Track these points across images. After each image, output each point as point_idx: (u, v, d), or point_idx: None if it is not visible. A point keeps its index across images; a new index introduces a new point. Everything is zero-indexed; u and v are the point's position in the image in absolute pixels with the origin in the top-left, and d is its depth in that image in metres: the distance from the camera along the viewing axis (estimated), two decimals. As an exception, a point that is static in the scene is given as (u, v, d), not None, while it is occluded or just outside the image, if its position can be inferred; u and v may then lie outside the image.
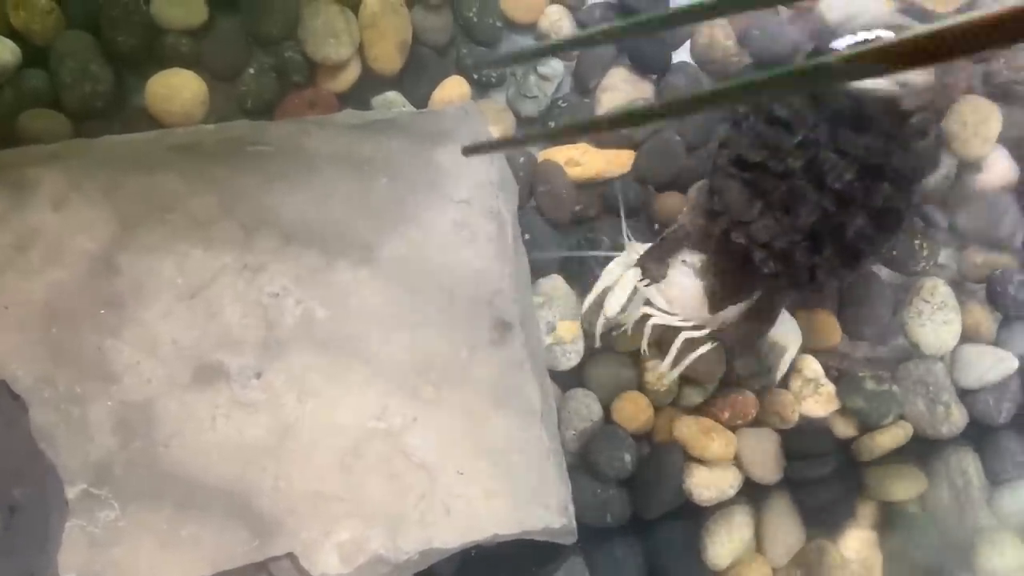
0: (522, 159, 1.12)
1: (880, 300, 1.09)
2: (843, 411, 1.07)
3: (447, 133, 1.07)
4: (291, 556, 0.94)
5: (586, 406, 1.06)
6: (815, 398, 1.06)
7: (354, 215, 1.00)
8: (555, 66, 1.18)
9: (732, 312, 0.99)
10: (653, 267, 0.98)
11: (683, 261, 0.99)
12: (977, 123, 1.10)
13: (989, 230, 1.12)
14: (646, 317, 0.99)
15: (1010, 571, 1.01)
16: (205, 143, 1.05)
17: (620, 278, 1.00)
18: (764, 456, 1.05)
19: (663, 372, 1.01)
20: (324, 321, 0.99)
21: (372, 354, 0.99)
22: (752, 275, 0.94)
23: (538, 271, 1.10)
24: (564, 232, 1.12)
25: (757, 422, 1.07)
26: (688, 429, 1.04)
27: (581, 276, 1.10)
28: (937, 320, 1.09)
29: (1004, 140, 1.13)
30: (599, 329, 1.02)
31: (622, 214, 1.04)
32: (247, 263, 1.00)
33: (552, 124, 1.16)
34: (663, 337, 1.04)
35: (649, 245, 1.02)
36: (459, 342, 0.98)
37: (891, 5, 1.19)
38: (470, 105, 1.11)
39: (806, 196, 0.89)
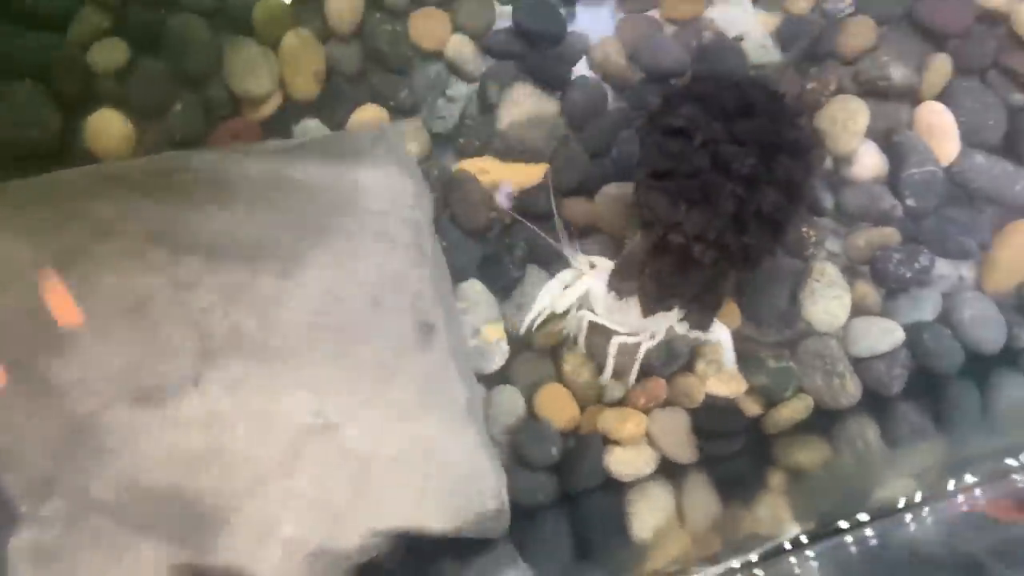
0: (436, 172, 1.18)
1: (776, 285, 1.18)
2: (749, 389, 1.15)
3: (364, 151, 1.14)
4: (235, 554, 0.98)
5: (512, 402, 1.11)
6: (719, 377, 1.12)
7: (277, 231, 1.06)
8: (459, 88, 1.26)
9: (662, 322, 1.06)
10: (622, 286, 1.06)
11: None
12: (846, 119, 1.21)
13: (868, 215, 1.21)
14: (584, 320, 1.06)
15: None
16: (134, 174, 1.10)
17: (567, 291, 1.08)
18: (677, 435, 1.12)
19: (605, 383, 1.09)
20: (254, 331, 1.05)
21: (302, 360, 1.05)
22: (690, 270, 1.02)
23: (457, 276, 1.14)
24: (479, 239, 1.17)
25: (668, 403, 1.14)
26: (607, 417, 1.11)
27: (499, 279, 1.15)
28: (828, 297, 1.18)
29: (872, 133, 1.24)
30: (528, 322, 1.08)
31: (561, 235, 1.11)
32: (178, 282, 1.05)
33: (461, 140, 1.24)
34: (592, 342, 1.11)
35: (597, 259, 1.10)
36: (385, 344, 1.04)
37: (770, 25, 1.30)
38: (386, 126, 1.18)
39: (720, 187, 0.97)
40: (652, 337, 1.07)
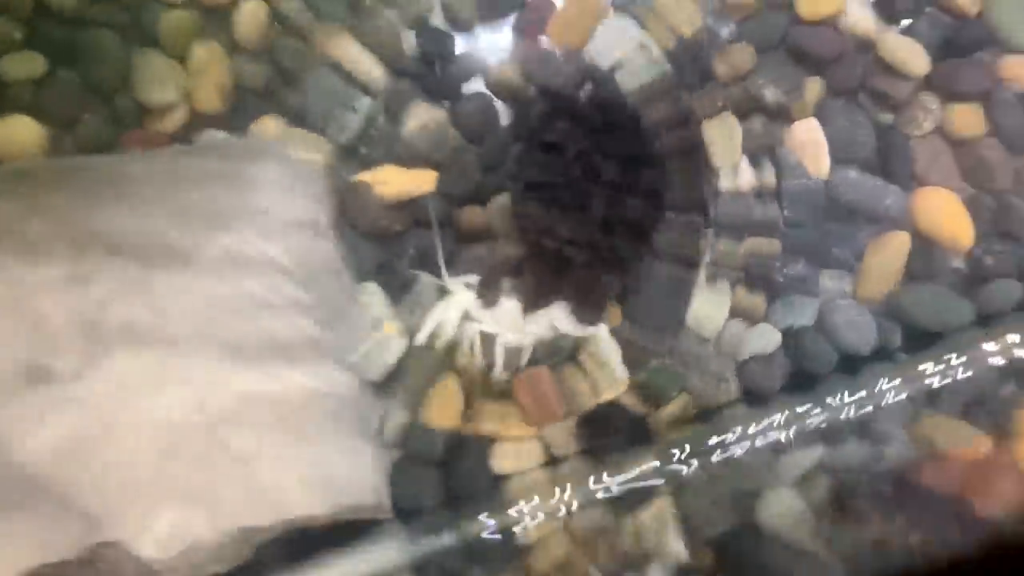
0: (336, 181, 1.22)
1: (661, 289, 1.23)
2: (632, 387, 1.19)
3: (260, 155, 1.19)
4: (115, 545, 0.99)
5: (402, 402, 1.14)
6: (602, 377, 1.16)
7: (173, 227, 1.09)
8: (364, 102, 1.31)
9: (545, 321, 1.11)
10: (489, 295, 1.12)
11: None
12: (725, 135, 1.28)
13: (748, 225, 1.28)
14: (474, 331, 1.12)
15: (784, 515, 1.13)
16: (39, 172, 1.14)
17: (448, 312, 1.14)
18: (563, 433, 1.16)
19: (499, 377, 1.13)
20: (145, 325, 1.07)
21: (191, 352, 1.07)
22: (566, 272, 1.09)
23: (356, 278, 1.19)
24: (376, 244, 1.21)
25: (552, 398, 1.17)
26: (491, 415, 1.15)
27: (394, 283, 1.20)
28: (710, 302, 1.23)
29: (750, 150, 1.31)
30: (423, 338, 1.14)
31: (439, 254, 1.16)
32: (74, 275, 1.08)
33: (363, 151, 1.29)
34: (487, 349, 1.15)
35: (472, 277, 1.15)
36: (276, 337, 1.07)
37: (662, 45, 1.37)
38: (285, 133, 1.23)
39: (590, 194, 1.04)
40: (534, 336, 1.12)
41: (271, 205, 1.09)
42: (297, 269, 1.08)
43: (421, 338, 1.12)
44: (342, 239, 1.18)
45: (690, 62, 1.32)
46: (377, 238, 1.19)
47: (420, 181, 1.24)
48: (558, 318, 1.12)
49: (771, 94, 1.21)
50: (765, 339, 1.17)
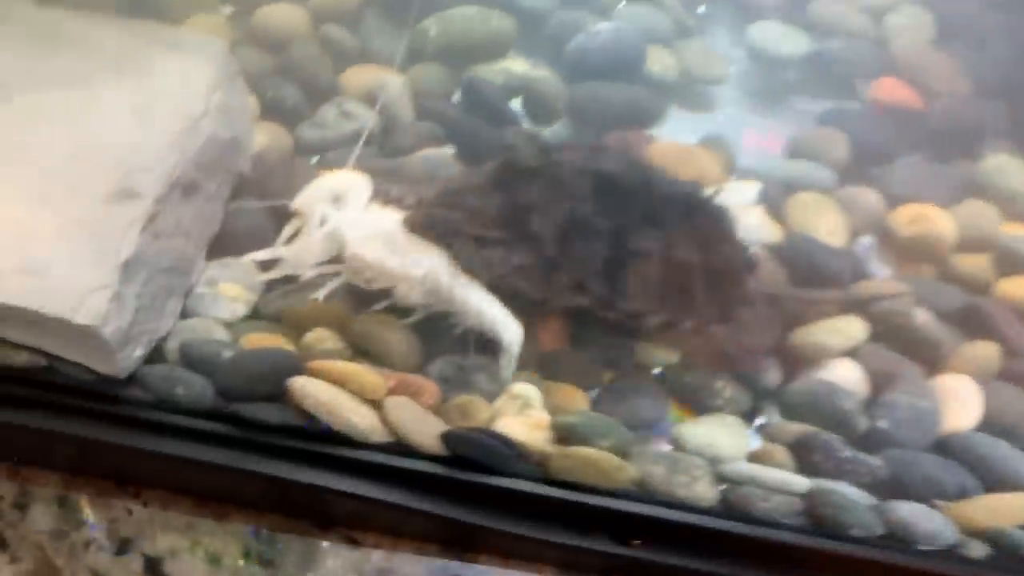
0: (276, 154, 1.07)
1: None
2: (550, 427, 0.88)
3: (180, 45, 0.98)
4: None
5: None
6: (520, 419, 0.87)
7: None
8: (362, 112, 1.11)
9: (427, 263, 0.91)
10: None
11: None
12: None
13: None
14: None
15: None
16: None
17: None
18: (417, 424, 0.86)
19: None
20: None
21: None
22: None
23: (233, 245, 0.98)
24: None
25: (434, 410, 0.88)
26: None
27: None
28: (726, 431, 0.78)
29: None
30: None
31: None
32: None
33: (331, 154, 1.08)
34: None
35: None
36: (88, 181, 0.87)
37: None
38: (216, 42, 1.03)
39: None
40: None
41: (158, 85, 0.94)
42: (149, 144, 0.90)
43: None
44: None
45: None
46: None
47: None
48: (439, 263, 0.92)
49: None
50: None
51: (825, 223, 1.12)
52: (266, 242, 0.98)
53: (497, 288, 0.92)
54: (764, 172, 1.16)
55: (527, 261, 0.91)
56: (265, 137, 1.09)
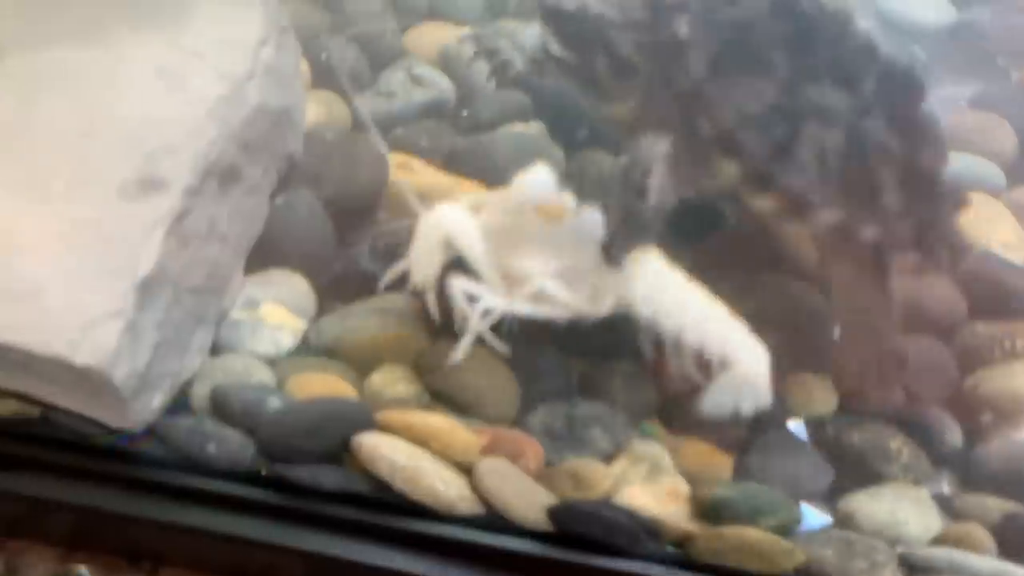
0: (330, 135, 0.88)
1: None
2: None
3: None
4: None
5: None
6: (647, 487, 0.68)
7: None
8: (435, 78, 0.93)
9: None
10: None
11: None
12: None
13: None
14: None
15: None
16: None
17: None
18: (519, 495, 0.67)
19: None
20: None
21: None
22: None
23: (277, 256, 0.80)
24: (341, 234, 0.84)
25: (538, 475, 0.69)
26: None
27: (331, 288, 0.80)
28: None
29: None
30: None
31: None
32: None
33: (400, 131, 0.90)
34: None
35: None
36: (103, 167, 0.69)
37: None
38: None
39: None
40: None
41: (190, 43, 0.77)
42: (178, 121, 0.72)
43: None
44: (295, 204, 0.82)
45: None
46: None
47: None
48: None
49: None
50: None
51: (999, 233, 0.92)
52: (324, 249, 0.80)
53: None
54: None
55: None
56: (319, 108, 0.91)
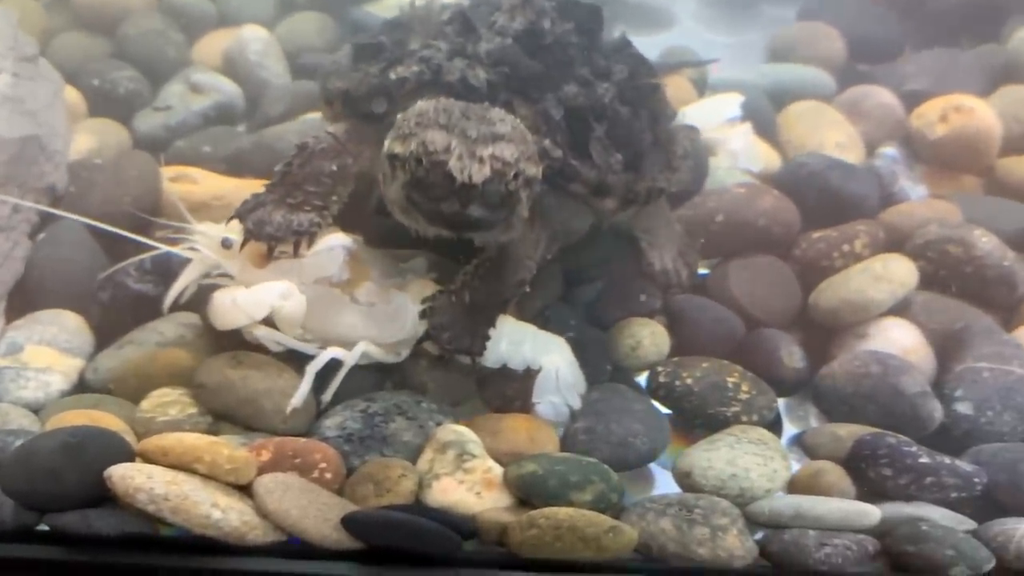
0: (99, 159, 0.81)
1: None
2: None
3: None
4: None
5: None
6: (458, 478, 0.61)
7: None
8: (218, 82, 0.86)
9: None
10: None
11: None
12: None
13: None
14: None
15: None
16: None
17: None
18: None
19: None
20: None
21: None
22: None
23: (47, 297, 0.73)
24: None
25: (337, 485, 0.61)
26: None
27: (107, 315, 0.71)
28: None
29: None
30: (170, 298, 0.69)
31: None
32: None
33: (181, 143, 0.82)
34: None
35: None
36: None
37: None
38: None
39: None
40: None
41: None
42: None
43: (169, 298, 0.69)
44: (63, 231, 0.74)
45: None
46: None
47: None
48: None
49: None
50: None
51: (833, 135, 0.87)
52: (94, 280, 0.70)
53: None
54: (743, 83, 0.92)
55: None
56: (91, 137, 0.82)
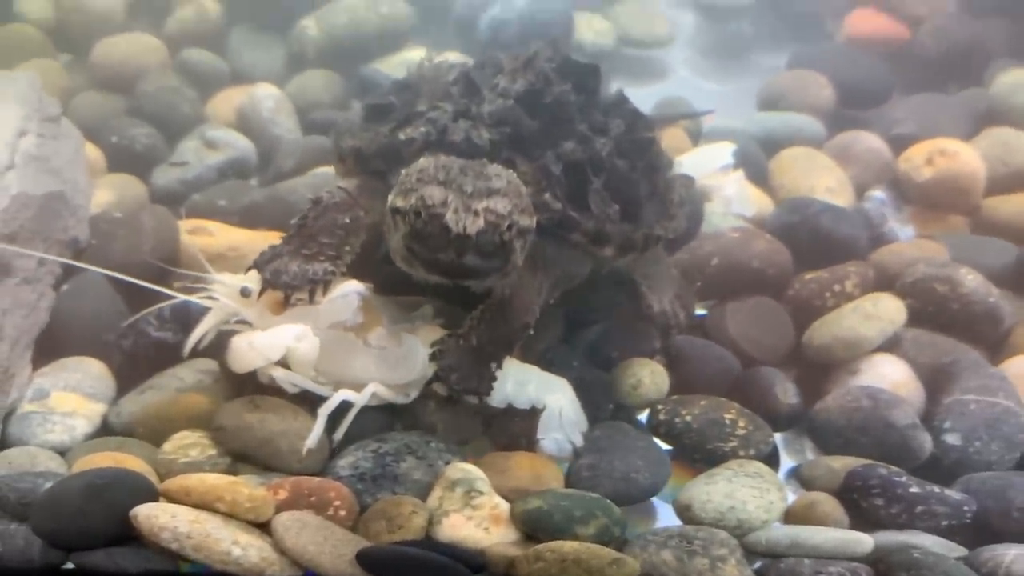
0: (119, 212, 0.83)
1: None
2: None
3: None
4: None
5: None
6: (467, 514, 0.63)
7: None
8: (232, 138, 0.90)
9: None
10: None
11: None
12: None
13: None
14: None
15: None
16: None
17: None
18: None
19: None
20: None
21: None
22: None
23: (71, 344, 0.75)
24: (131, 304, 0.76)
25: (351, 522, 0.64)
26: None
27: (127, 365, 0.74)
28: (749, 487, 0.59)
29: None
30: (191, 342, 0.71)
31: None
32: None
33: (197, 197, 0.85)
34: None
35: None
36: None
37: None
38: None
39: None
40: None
41: None
42: None
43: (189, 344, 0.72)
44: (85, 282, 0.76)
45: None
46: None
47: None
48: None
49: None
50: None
51: (823, 180, 0.90)
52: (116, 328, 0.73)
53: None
54: (735, 131, 0.95)
55: None
56: (111, 192, 0.86)
